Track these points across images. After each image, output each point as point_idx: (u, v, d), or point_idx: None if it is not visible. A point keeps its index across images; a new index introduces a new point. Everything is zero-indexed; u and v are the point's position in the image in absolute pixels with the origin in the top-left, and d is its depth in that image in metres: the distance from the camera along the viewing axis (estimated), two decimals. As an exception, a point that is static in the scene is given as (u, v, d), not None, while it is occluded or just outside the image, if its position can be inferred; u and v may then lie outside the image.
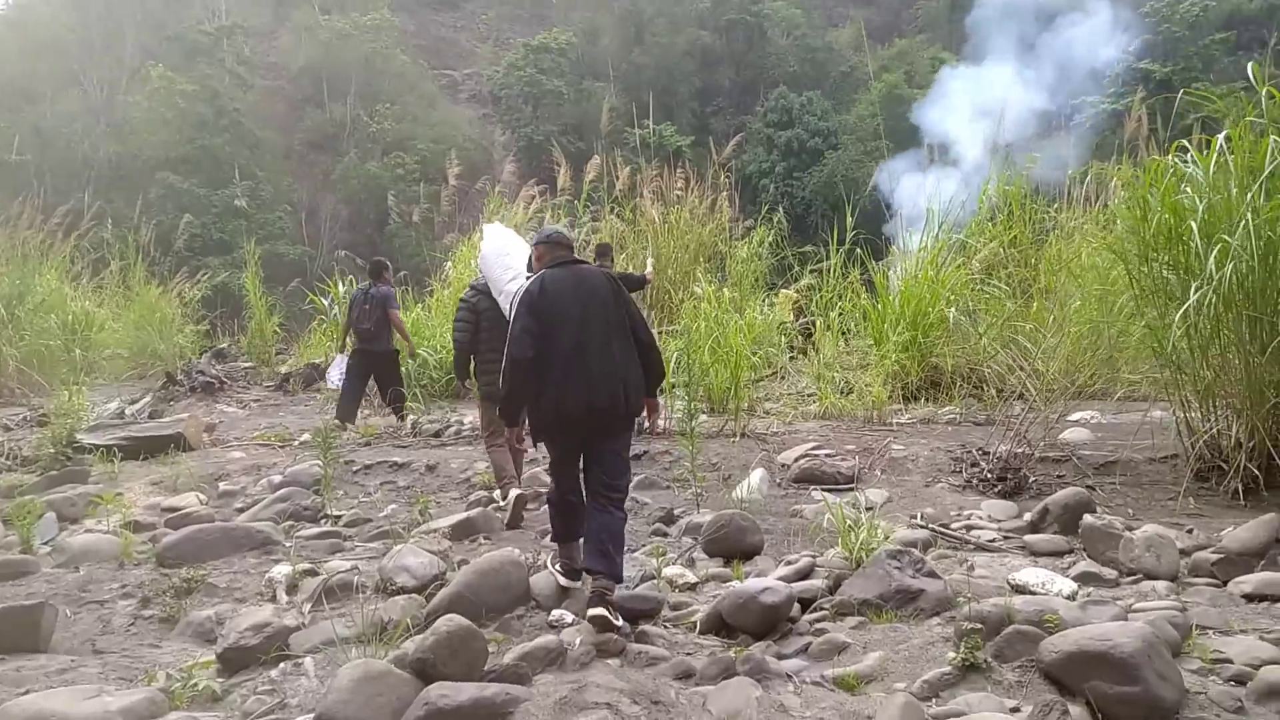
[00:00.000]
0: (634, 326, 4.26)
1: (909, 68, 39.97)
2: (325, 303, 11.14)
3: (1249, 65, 5.85)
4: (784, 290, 13.35)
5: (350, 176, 39.76)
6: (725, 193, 14.35)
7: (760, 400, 9.04)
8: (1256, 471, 5.47)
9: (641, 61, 41.58)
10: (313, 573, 4.54)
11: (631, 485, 4.91)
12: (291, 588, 4.38)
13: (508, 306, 5.54)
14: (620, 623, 3.77)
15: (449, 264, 13.56)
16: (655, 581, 4.40)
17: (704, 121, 40.79)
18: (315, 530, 5.50)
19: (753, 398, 8.89)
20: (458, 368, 6.55)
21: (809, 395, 9.42)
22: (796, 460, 6.49)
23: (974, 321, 9.04)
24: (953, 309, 8.76)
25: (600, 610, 3.71)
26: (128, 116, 37.99)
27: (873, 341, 9.16)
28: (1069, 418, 7.61)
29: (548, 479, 4.83)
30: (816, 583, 4.26)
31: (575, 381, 4.02)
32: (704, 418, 8.01)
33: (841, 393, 8.62)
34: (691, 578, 4.55)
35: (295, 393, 11.59)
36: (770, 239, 13.70)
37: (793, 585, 4.22)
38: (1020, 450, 6.22)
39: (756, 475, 6.27)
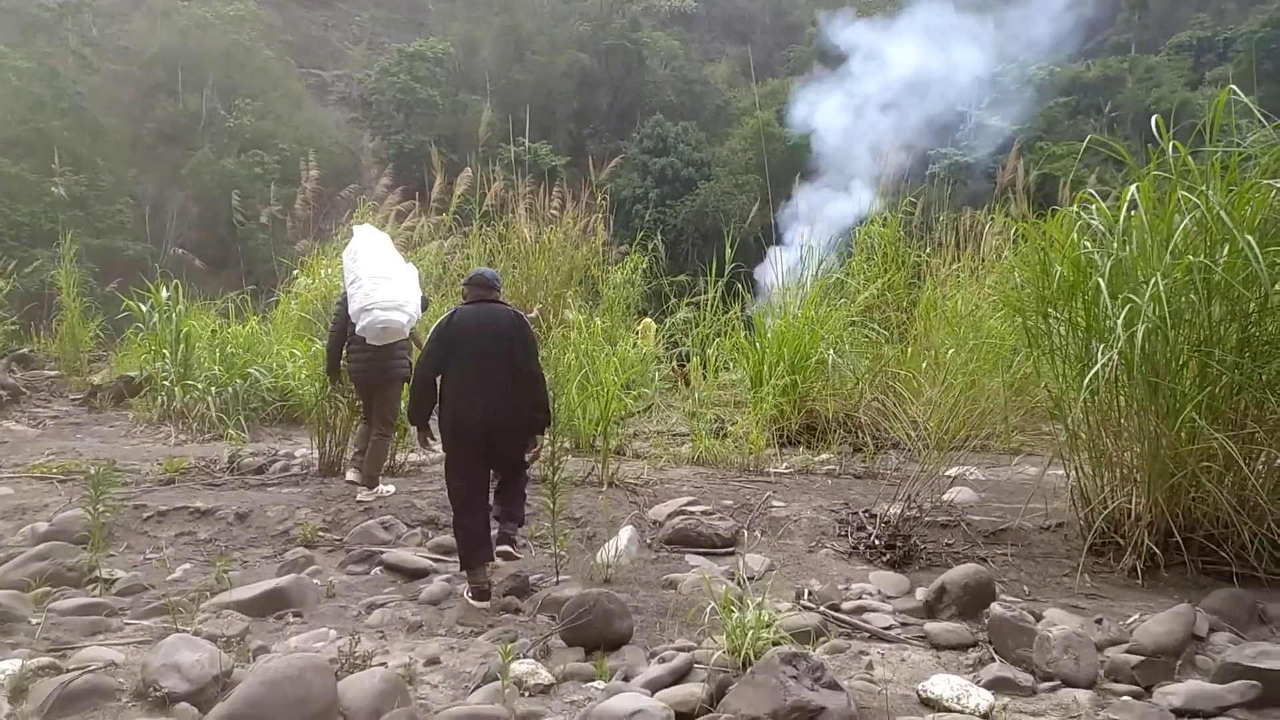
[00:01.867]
0: (525, 362, 4.99)
1: (781, 106, 40.47)
2: (144, 308, 9.75)
3: (1153, 119, 5.51)
4: (645, 319, 12.74)
5: (203, 172, 37.03)
6: (600, 215, 13.66)
7: (630, 439, 8.29)
8: (1155, 549, 5.07)
9: (520, 78, 40.60)
10: (55, 669, 3.46)
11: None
12: (17, 694, 3.29)
13: (339, 308, 6.36)
14: (520, 555, 5.21)
15: (297, 272, 12.30)
16: (500, 685, 3.53)
17: (580, 143, 40.14)
18: (77, 601, 4.34)
19: (623, 436, 8.14)
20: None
21: (681, 435, 8.75)
22: (670, 518, 5.75)
23: (851, 365, 8.57)
24: (830, 351, 8.25)
25: (505, 547, 5.06)
26: (-52, 91, 34.37)
27: (749, 383, 8.56)
28: (948, 472, 7.17)
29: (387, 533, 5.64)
30: (696, 689, 3.48)
31: (470, 400, 4.88)
32: (569, 457, 7.21)
33: (716, 434, 7.96)
34: (545, 676, 3.70)
35: (103, 409, 10.11)
36: (645, 265, 13.11)
37: (669, 692, 3.44)
38: (908, 514, 5.67)
39: (625, 535, 5.49)
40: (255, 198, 30.01)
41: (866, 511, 5.88)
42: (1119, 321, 4.90)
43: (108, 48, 40.34)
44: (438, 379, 4.93)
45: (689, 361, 10.20)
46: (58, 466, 6.89)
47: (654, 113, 40.53)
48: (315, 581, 4.73)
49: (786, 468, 7.25)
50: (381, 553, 5.11)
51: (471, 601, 4.69)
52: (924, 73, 33.72)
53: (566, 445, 7.47)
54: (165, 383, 9.16)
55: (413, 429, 5.35)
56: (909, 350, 8.81)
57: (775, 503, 6.10)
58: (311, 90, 42.99)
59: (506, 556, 5.02)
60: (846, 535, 5.67)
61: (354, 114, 41.35)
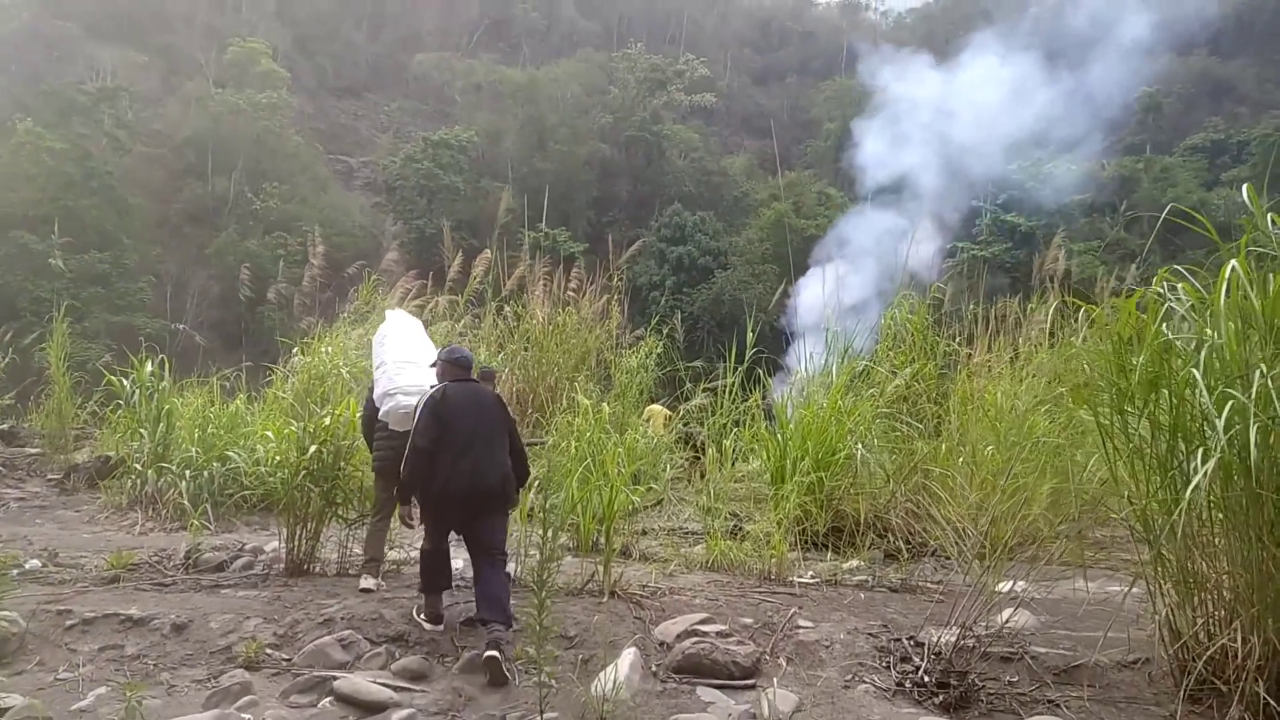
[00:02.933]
0: (511, 437, 5.30)
1: (797, 199, 40.40)
2: (126, 384, 9.05)
3: (1244, 187, 4.75)
4: (652, 405, 11.95)
5: (226, 252, 37.09)
6: (617, 297, 13.07)
7: (637, 537, 7.39)
8: (1269, 699, 4.11)
9: (541, 166, 40.82)
10: None
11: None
12: None
13: (370, 394, 6.02)
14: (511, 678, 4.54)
15: (297, 351, 11.60)
16: None
17: (599, 230, 40.06)
18: (-56, 740, 3.48)
19: (629, 534, 7.25)
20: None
21: (694, 534, 7.84)
22: (680, 639, 4.83)
23: (880, 461, 7.68)
24: (860, 446, 7.38)
25: (494, 653, 4.51)
26: (-14, 169, 34.74)
27: (770, 479, 7.66)
28: (999, 588, 6.23)
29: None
30: None
31: (462, 470, 4.95)
32: (568, 558, 6.31)
33: (732, 535, 7.05)
34: None
35: (76, 491, 9.31)
36: (659, 350, 12.39)
37: None
38: (963, 644, 4.73)
39: (627, 661, 4.56)
40: (276, 278, 29.75)
41: (911, 638, 4.94)
42: (1220, 421, 4.05)
43: (141, 131, 40.95)
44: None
45: (704, 452, 9.37)
46: (-7, 558, 6.07)
47: (672, 202, 40.56)
48: (247, 718, 3.83)
49: (812, 577, 6.32)
50: (335, 678, 4.22)
51: (425, 624, 5.03)
52: (944, 168, 33.60)
53: (563, 544, 6.61)
54: (137, 465, 8.39)
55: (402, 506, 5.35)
56: (943, 446, 7.93)
57: (802, 622, 5.17)
58: (338, 175, 43.42)
59: (494, 671, 4.48)
60: (889, 667, 4.72)
61: (378, 198, 41.57)
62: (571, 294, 12.78)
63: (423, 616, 5.08)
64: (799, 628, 5.07)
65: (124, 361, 13.07)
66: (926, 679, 4.54)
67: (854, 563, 6.97)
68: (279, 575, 6.06)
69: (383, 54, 47.64)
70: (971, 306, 10.65)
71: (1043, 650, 4.88)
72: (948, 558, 7.25)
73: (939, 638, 4.78)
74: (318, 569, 6.19)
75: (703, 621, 4.95)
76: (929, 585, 6.14)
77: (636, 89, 42.34)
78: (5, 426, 11.62)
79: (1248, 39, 44.91)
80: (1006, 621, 5.17)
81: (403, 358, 5.96)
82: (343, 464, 6.25)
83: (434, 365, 5.45)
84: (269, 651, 4.65)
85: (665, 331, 13.16)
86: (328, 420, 6.20)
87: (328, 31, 47.44)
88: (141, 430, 8.72)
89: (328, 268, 19.25)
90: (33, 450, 11.29)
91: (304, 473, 6.09)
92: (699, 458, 9.70)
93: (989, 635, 4.85)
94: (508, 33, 53.00)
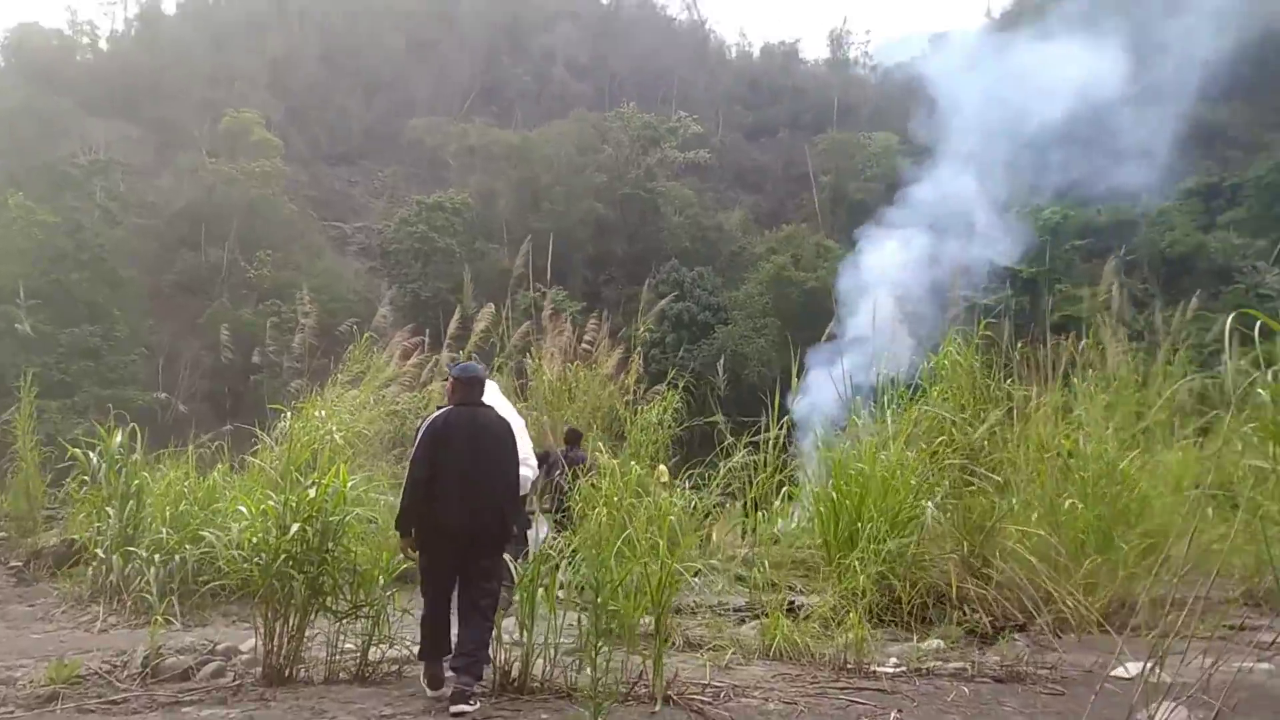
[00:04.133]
0: (514, 469, 5.03)
1: (795, 251, 39.82)
2: (92, 457, 8.02)
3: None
4: (660, 466, 10.92)
5: (219, 321, 36.17)
6: (638, 349, 12.21)
7: (677, 622, 6.31)
8: None
9: (536, 226, 40.20)
10: None
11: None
12: None
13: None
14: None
15: (286, 417, 10.59)
16: None
17: (595, 289, 39.38)
18: None
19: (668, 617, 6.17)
20: None
21: (738, 610, 6.76)
22: (759, 763, 3.79)
23: (955, 522, 6.65)
24: (930, 504, 6.36)
25: (462, 707, 4.32)
26: (-25, 244, 33.98)
27: (826, 545, 6.61)
28: (1119, 671, 5.17)
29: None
30: None
31: (457, 502, 4.70)
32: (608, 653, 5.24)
33: (789, 612, 5.98)
34: None
35: (37, 580, 8.20)
36: (675, 405, 11.43)
37: None
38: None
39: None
40: (271, 346, 28.78)
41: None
42: None
43: (134, 203, 40.37)
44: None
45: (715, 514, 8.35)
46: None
47: (669, 258, 39.91)
48: None
49: (895, 665, 5.26)
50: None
51: (428, 690, 4.67)
52: (945, 215, 33.11)
53: (605, 632, 5.54)
54: (99, 550, 7.31)
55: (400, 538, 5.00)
56: (1013, 502, 6.90)
57: (904, 731, 4.11)
58: (332, 242, 42.81)
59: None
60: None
61: (372, 263, 40.87)
62: (586, 348, 11.88)
63: (425, 682, 4.71)
64: (906, 741, 4.00)
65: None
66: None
67: (933, 643, 5.91)
68: (255, 684, 4.97)
69: (376, 121, 47.44)
70: (1019, 346, 9.72)
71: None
72: (1041, 633, 6.21)
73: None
74: (302, 674, 5.10)
75: (787, 739, 3.88)
76: (1037, 671, 5.06)
77: (630, 147, 42.05)
78: (-33, 508, 10.51)
79: (1237, 83, 44.97)
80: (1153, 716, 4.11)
81: (519, 425, 5.73)
82: (331, 544, 5.20)
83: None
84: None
85: (681, 385, 12.23)
86: (313, 492, 5.17)
87: (321, 100, 47.31)
88: (108, 509, 7.65)
89: (320, 332, 18.38)
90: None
91: (284, 556, 5.04)
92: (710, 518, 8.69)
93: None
94: (500, 96, 52.98)
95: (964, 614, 6.33)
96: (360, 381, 11.90)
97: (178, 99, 45.32)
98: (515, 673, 4.57)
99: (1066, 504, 6.59)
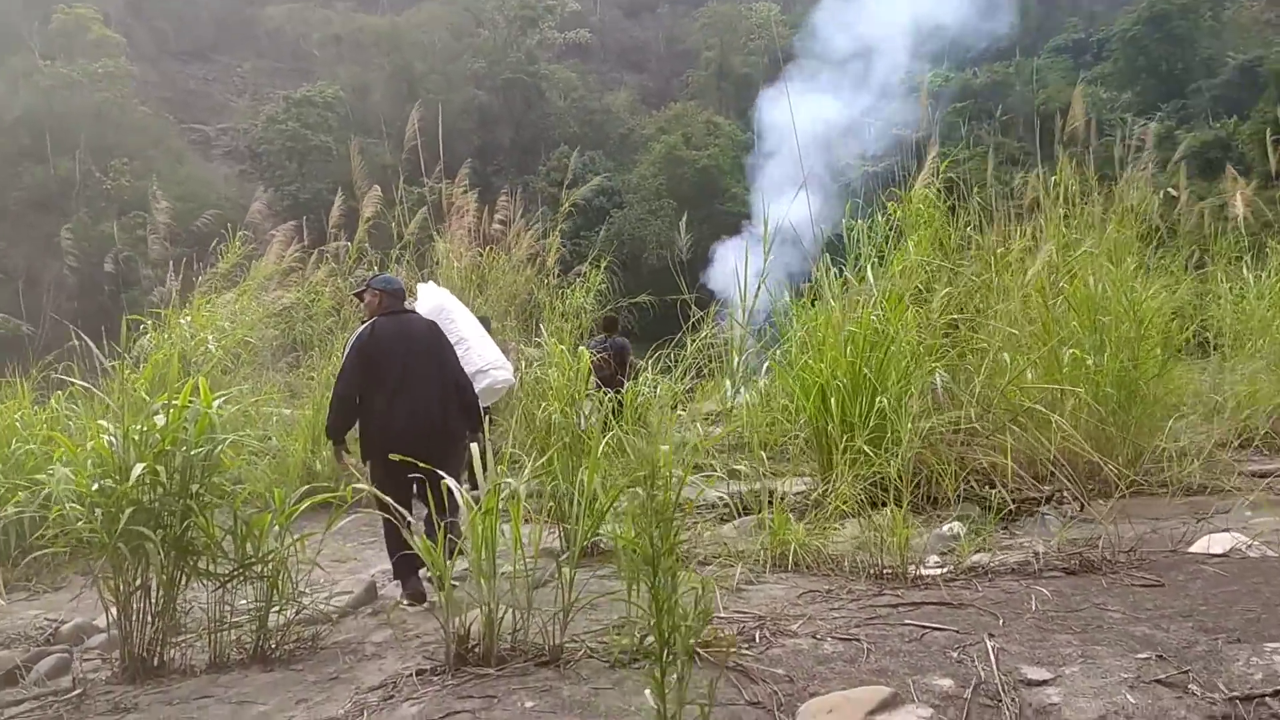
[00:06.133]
0: (450, 369, 4.79)
1: (686, 130, 38.01)
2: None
3: None
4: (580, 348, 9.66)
5: (80, 238, 32.36)
6: (560, 228, 10.78)
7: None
8: None
9: (415, 119, 37.13)
10: None
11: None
12: None
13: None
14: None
15: (147, 334, 8.73)
16: None
17: (486, 180, 36.82)
18: None
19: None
20: None
21: (714, 507, 5.54)
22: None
23: (957, 387, 5.54)
24: (937, 372, 5.21)
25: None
26: None
27: (811, 424, 5.39)
28: (1196, 547, 4.21)
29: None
30: None
31: (400, 408, 4.50)
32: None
33: (796, 513, 4.80)
34: None
35: None
36: (599, 286, 10.09)
37: None
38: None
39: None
40: (124, 252, 25.74)
41: (1241, 694, 2.79)
42: None
43: (-39, 114, 35.32)
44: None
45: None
46: None
47: (558, 145, 37.62)
48: None
49: (937, 565, 4.16)
50: None
51: (407, 605, 4.33)
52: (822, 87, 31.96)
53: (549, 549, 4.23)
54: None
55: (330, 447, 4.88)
56: (1022, 359, 5.81)
57: (1028, 670, 2.93)
58: (195, 146, 38.64)
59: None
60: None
61: (243, 166, 37.12)
62: (499, 229, 10.33)
63: (404, 599, 4.39)
64: (1028, 680, 2.85)
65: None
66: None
67: (952, 527, 4.85)
68: (109, 683, 3.50)
69: (227, 10, 42.39)
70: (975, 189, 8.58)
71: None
72: (1065, 503, 5.24)
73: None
74: (178, 660, 3.64)
75: (884, 706, 2.66)
76: (1115, 558, 4.01)
77: (507, 29, 38.90)
78: None
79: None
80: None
81: (478, 331, 5.65)
82: (196, 486, 3.69)
83: (359, 293, 5.04)
84: None
85: (602, 265, 10.84)
86: (161, 419, 3.62)
87: (164, -9, 41.97)
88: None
89: (190, 241, 16.05)
90: None
91: (132, 510, 3.51)
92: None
93: None
94: (363, -19, 48.18)
95: (972, 488, 5.30)
96: (237, 285, 10.09)
97: (-2, -4, 39.46)
98: (475, 636, 3.23)
99: (1070, 354, 5.57)
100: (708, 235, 34.86)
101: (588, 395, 5.13)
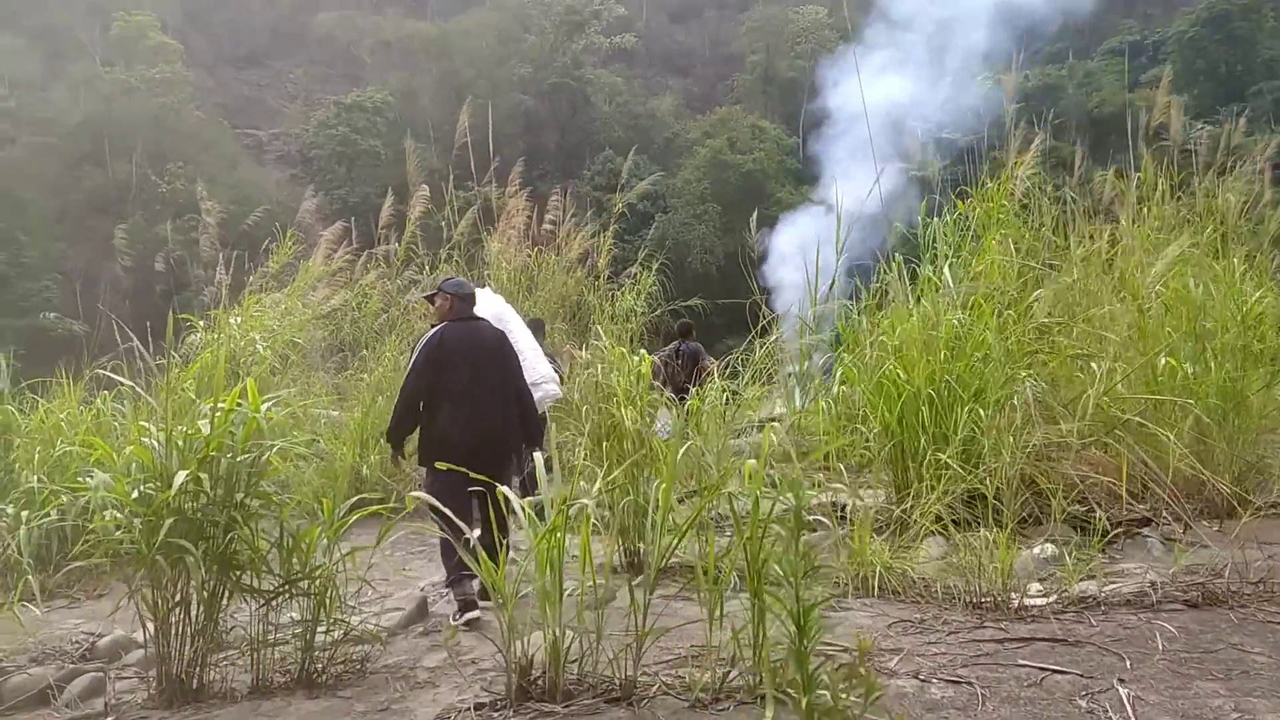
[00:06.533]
0: (516, 380, 4.65)
1: (731, 134, 37.63)
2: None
3: None
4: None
5: (135, 240, 32.86)
6: (613, 227, 10.55)
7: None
8: None
9: (463, 124, 37.22)
10: None
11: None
12: None
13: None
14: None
15: (197, 333, 8.58)
16: None
17: (531, 184, 36.72)
18: None
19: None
20: None
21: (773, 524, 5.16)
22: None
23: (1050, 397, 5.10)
24: (1028, 380, 4.79)
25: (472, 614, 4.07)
26: None
27: (887, 434, 4.99)
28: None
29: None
30: None
31: (463, 416, 4.35)
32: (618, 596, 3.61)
33: (877, 530, 4.43)
34: None
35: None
36: (650, 288, 9.78)
37: None
38: None
39: None
40: (176, 251, 26.05)
41: None
42: None
43: (27, 120, 36.15)
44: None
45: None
46: None
47: (603, 149, 37.46)
48: None
49: (1039, 593, 3.76)
50: None
51: (457, 622, 4.06)
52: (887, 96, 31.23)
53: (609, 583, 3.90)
54: (-53, 511, 5.44)
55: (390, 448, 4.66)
56: (1118, 367, 5.34)
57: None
58: (248, 150, 39.15)
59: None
60: None
61: (294, 170, 37.48)
62: (550, 228, 10.08)
63: (455, 614, 4.19)
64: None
65: (32, 366, 9.78)
66: None
67: (1045, 549, 4.43)
68: (144, 706, 3.24)
69: (281, 17, 42.89)
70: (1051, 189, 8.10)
71: None
72: (1166, 523, 4.79)
73: None
74: (217, 684, 3.37)
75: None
76: (1243, 590, 3.58)
77: (554, 34, 38.83)
78: None
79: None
80: None
81: (532, 343, 5.63)
82: (242, 495, 3.43)
83: (430, 297, 4.91)
84: None
85: (654, 267, 10.54)
86: (207, 426, 3.36)
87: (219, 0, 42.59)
88: (-37, 456, 5.71)
89: (241, 242, 16.07)
90: None
91: (173, 520, 3.25)
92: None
93: None
94: (412, -12, 48.51)
95: (1063, 508, 4.86)
96: (286, 286, 9.93)
97: (62, 4, 40.35)
98: (538, 666, 2.91)
99: (1170, 363, 5.11)
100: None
101: (665, 403, 4.82)
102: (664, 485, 3.07)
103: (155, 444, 3.45)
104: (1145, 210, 6.84)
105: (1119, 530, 4.64)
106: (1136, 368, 4.93)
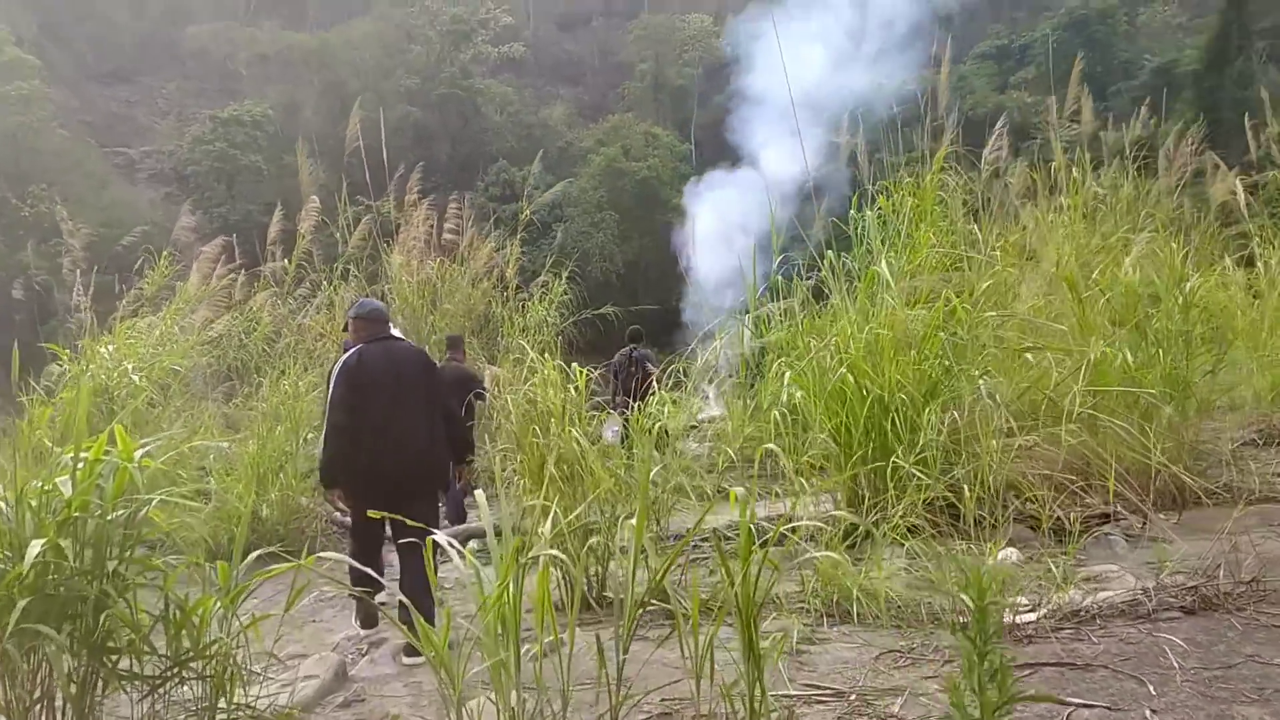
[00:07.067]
0: (441, 401, 4.46)
1: (624, 142, 37.43)
2: None
3: None
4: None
5: (-5, 268, 30.31)
6: (520, 237, 10.10)
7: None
8: None
9: (347, 137, 35.81)
10: None
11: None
12: None
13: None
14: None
15: (62, 363, 7.68)
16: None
17: (424, 195, 35.69)
18: None
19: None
20: None
21: (729, 540, 4.79)
22: None
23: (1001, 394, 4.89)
24: (981, 379, 4.55)
25: (416, 659, 3.91)
26: None
27: (841, 444, 4.69)
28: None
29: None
30: None
31: (385, 445, 4.17)
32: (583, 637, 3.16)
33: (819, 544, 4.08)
34: None
35: None
36: (561, 298, 9.33)
37: None
38: None
39: None
40: (39, 275, 24.12)
41: None
42: None
43: None
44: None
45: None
46: None
47: (496, 160, 36.69)
48: None
49: (1029, 608, 3.48)
50: None
51: (360, 629, 4.41)
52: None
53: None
54: None
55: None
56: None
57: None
58: (119, 170, 36.67)
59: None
60: None
61: (169, 189, 35.29)
62: (450, 237, 9.56)
63: (357, 623, 4.42)
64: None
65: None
66: None
67: (1007, 553, 4.19)
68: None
69: (148, 31, 40.40)
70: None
71: None
72: (1123, 517, 4.64)
73: None
74: (94, 796, 2.75)
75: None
76: (1234, 593, 3.38)
77: (440, 44, 37.82)
78: None
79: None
80: None
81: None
82: (115, 563, 2.81)
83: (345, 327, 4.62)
84: None
85: (564, 276, 10.12)
86: (67, 488, 2.74)
87: (81, 11, 39.75)
88: None
89: (114, 267, 14.86)
90: None
91: (28, 599, 2.62)
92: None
93: None
94: (289, -1, 46.54)
95: (1003, 507, 4.64)
96: (166, 303, 9.09)
97: (-100, 17, 36.98)
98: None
99: (1109, 353, 4.98)
100: (649, 246, 34.32)
101: (612, 412, 4.45)
102: (639, 521, 2.62)
103: (2, 506, 2.81)
104: (1064, 198, 6.81)
105: (1080, 529, 4.43)
106: (1077, 359, 4.76)
